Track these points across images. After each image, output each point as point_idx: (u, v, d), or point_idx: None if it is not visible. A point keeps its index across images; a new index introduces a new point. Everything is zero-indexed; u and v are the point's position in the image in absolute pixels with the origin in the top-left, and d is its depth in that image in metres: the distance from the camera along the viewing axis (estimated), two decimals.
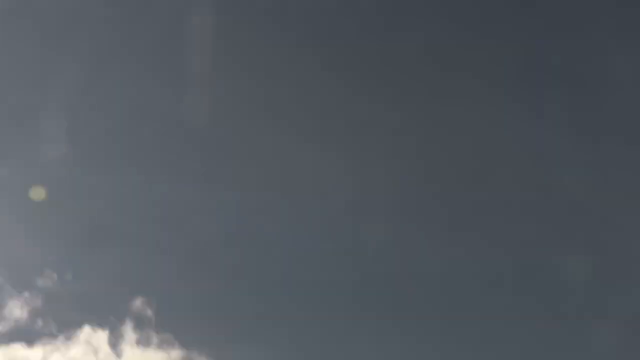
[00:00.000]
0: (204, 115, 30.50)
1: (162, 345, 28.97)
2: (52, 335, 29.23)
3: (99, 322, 29.08)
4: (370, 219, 30.85)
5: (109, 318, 29.21)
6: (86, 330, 29.15)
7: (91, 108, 32.30)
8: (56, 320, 29.31)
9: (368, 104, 32.20)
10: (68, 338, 29.05)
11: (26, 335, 28.96)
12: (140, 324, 29.15)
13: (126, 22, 32.40)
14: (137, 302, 29.31)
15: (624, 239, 30.05)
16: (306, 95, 32.68)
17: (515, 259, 30.64)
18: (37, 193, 30.15)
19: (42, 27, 32.22)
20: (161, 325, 29.11)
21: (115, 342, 29.03)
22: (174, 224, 30.69)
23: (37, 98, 31.59)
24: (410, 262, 30.13)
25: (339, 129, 32.50)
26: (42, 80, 31.94)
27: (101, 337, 29.14)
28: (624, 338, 27.98)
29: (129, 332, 29.15)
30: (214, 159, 31.95)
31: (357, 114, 32.33)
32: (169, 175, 31.17)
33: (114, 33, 32.34)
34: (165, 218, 30.77)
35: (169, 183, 30.61)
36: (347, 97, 32.18)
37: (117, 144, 32.21)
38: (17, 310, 29.41)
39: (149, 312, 29.26)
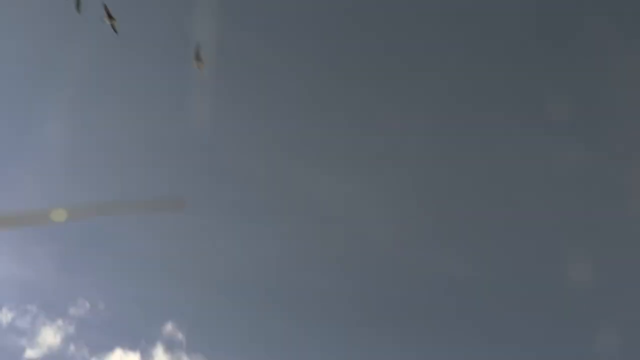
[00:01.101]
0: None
1: None
2: (85, 359, 30.16)
3: (130, 345, 30.03)
4: None
5: (140, 341, 30.13)
6: (118, 353, 30.07)
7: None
8: (88, 344, 30.19)
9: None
10: None
11: None
12: (171, 346, 30.15)
13: None
14: (168, 326, 30.26)
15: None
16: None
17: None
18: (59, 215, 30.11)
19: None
20: (192, 348, 30.13)
21: None
22: (203, 250, 31.34)
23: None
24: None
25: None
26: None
27: (133, 359, 30.10)
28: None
29: (160, 355, 30.14)
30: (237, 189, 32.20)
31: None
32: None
33: None
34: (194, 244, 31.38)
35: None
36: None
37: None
38: (50, 337, 30.23)
39: (180, 335, 30.24)
